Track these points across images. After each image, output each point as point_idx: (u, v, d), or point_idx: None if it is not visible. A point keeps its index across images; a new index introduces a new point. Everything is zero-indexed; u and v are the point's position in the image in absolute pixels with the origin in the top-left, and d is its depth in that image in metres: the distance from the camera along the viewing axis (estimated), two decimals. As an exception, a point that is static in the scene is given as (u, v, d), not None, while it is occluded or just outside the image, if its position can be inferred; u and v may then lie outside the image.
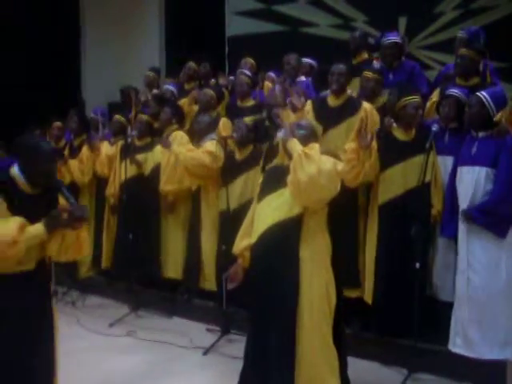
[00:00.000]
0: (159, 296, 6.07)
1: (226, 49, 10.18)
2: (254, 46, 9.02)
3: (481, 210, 4.13)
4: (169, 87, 7.35)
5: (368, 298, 4.64)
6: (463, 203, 4.24)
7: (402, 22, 8.63)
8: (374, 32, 8.78)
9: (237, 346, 5.04)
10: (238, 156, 5.48)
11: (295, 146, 3.43)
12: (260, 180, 3.78)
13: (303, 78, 6.62)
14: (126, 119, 6.73)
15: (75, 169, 6.58)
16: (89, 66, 11.35)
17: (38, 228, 2.91)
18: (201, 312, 5.73)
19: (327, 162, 3.32)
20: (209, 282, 5.72)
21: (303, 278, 3.40)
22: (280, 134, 3.64)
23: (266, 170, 3.96)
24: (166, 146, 5.73)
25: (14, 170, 3.03)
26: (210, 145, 5.57)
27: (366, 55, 6.15)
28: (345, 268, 3.88)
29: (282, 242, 3.44)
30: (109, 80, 10.19)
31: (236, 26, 10.15)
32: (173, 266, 5.98)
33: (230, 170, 5.30)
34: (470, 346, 4.15)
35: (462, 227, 4.24)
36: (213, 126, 5.82)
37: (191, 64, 7.58)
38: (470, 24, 8.03)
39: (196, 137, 5.84)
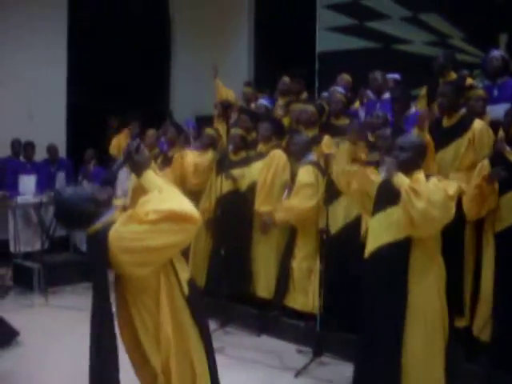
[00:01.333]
0: (248, 313, 5.99)
1: (316, 65, 10.10)
2: (345, 62, 8.89)
3: None
4: (263, 102, 7.31)
5: (478, 330, 4.40)
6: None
7: (503, 39, 8.32)
8: (472, 50, 8.54)
9: (329, 369, 4.94)
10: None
11: (401, 181, 3.40)
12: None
13: (387, 95, 6.44)
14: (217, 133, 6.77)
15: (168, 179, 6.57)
16: (178, 79, 11.54)
17: None
18: (291, 332, 5.60)
19: (437, 192, 3.27)
20: (299, 302, 5.59)
21: (411, 307, 3.30)
22: (382, 174, 3.53)
23: (379, 184, 3.82)
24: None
25: None
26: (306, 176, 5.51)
27: (454, 75, 5.89)
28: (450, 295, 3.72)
29: (391, 265, 3.39)
30: (196, 94, 10.30)
31: (327, 41, 10.02)
32: (264, 285, 5.88)
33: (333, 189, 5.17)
34: None
35: None
36: (310, 145, 5.73)
37: (286, 79, 7.54)
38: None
39: (293, 157, 5.76)
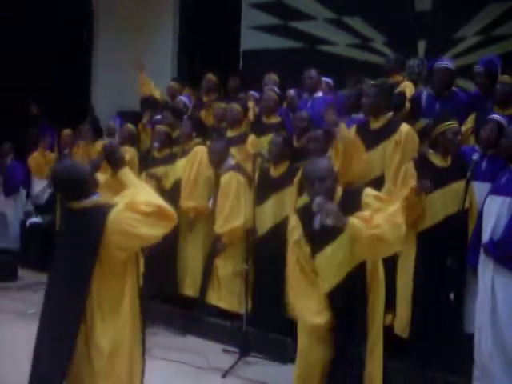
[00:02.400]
0: (173, 312, 5.91)
1: (240, 63, 10.10)
2: (269, 61, 8.93)
3: (494, 242, 4.06)
4: (182, 98, 7.23)
5: (400, 329, 4.51)
6: (486, 233, 4.15)
7: (422, 45, 8.58)
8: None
9: (256, 369, 4.93)
10: (273, 173, 5.35)
11: (359, 227, 3.17)
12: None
13: (320, 94, 6.52)
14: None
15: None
16: (99, 73, 11.27)
17: None
18: (217, 332, 5.57)
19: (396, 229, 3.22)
20: (224, 300, 5.58)
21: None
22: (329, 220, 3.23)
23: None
24: None
25: None
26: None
27: (399, 78, 6.01)
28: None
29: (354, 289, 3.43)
30: (119, 89, 10.08)
31: (251, 40, 10.07)
32: (190, 284, 5.82)
33: (264, 189, 5.18)
34: (489, 380, 4.04)
35: (483, 257, 4.15)
36: (227, 150, 5.68)
37: (211, 76, 7.49)
38: (491, 50, 8.01)
39: (212, 165, 5.71)
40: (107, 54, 11.03)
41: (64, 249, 3.13)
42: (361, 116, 5.46)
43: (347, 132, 4.77)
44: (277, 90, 6.34)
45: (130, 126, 6.77)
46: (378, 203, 3.30)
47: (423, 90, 5.54)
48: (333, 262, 3.37)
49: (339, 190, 3.45)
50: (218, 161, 5.59)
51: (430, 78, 5.59)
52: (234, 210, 5.41)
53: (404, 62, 6.23)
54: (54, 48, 10.35)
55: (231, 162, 5.61)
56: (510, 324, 3.98)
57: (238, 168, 5.56)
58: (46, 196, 8.17)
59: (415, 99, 5.62)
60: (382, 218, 3.15)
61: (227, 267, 5.54)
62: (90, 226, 2.96)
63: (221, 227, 5.45)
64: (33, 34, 10.15)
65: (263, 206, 5.20)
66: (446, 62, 5.55)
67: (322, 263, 3.41)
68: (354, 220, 3.16)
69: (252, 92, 7.08)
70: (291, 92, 6.91)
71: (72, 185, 3.02)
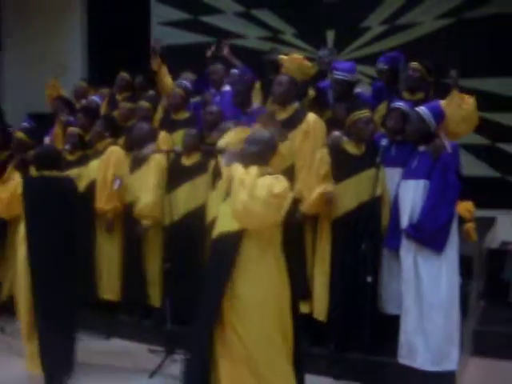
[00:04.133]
0: (96, 317, 5.77)
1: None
2: (181, 56, 8.87)
3: (413, 225, 4.22)
4: (94, 98, 7.09)
5: (319, 314, 4.60)
6: (404, 217, 4.30)
7: (330, 35, 8.77)
8: (303, 45, 8.91)
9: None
10: (186, 162, 5.33)
11: (235, 171, 3.34)
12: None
13: (228, 88, 6.54)
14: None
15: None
16: (10, 77, 10.90)
17: None
18: (141, 332, 5.51)
19: (261, 188, 3.21)
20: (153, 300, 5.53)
21: (236, 297, 3.33)
22: (223, 161, 3.51)
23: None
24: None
25: None
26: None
27: None
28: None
29: (220, 254, 3.41)
30: (29, 91, 9.79)
31: (162, 36, 9.96)
32: (109, 287, 5.70)
33: (175, 177, 5.15)
34: (414, 357, 4.21)
35: (405, 241, 4.30)
36: (152, 135, 5.63)
37: (123, 74, 7.34)
38: (396, 39, 8.28)
39: (135, 144, 5.61)
40: (17, 54, 10.69)
41: None
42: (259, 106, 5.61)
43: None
44: (188, 84, 6.29)
45: (73, 128, 6.42)
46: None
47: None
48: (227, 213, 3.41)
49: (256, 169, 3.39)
50: (141, 140, 5.53)
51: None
52: (153, 189, 5.33)
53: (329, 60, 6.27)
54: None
55: (153, 146, 5.54)
56: (434, 302, 4.15)
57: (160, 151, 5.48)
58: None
59: (320, 88, 5.71)
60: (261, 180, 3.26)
61: (155, 266, 5.48)
62: None
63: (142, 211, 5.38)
64: None
65: (175, 194, 5.15)
66: (342, 73, 5.40)
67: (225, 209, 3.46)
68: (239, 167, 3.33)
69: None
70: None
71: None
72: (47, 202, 4.53)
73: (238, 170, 3.34)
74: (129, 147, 5.76)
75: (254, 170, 3.32)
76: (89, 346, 5.36)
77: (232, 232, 3.34)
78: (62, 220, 4.56)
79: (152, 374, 4.75)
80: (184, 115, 6.16)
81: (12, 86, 10.91)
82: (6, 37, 10.95)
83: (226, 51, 7.05)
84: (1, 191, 5.87)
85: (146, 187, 5.35)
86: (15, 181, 5.72)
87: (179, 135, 5.65)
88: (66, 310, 4.56)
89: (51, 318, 4.43)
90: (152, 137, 5.63)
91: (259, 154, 3.46)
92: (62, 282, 4.51)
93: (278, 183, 3.27)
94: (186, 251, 5.06)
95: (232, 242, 3.34)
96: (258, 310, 3.31)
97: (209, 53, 7.32)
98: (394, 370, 4.36)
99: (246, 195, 3.18)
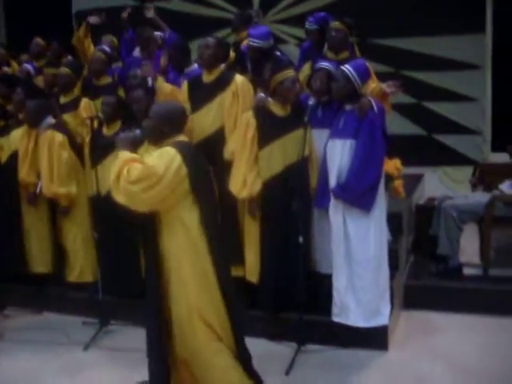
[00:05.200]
0: (25, 292, 5.62)
1: (74, 24, 9.63)
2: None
3: (341, 186, 4.25)
4: (27, 66, 6.80)
5: (251, 276, 4.62)
6: (332, 176, 4.32)
7: (257, -4, 8.66)
8: (228, 6, 8.77)
9: (118, 337, 4.87)
10: (107, 132, 5.15)
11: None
12: None
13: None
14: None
15: None
16: None
17: None
18: (74, 305, 5.40)
19: (112, 174, 3.18)
20: (79, 273, 5.41)
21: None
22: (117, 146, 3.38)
23: None
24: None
25: None
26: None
27: (244, 34, 5.87)
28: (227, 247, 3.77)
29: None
30: None
31: (83, 0, 9.63)
32: (40, 260, 5.53)
33: (99, 149, 4.99)
34: (346, 315, 4.30)
35: (333, 201, 4.34)
36: (45, 109, 5.42)
37: (38, 40, 7.06)
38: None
39: (29, 126, 5.44)
40: None
41: None
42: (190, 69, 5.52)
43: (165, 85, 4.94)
44: (107, 49, 6.11)
45: None
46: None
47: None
48: None
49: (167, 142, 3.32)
50: (34, 120, 5.37)
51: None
52: (64, 172, 5.20)
53: (250, 17, 6.17)
54: None
55: (50, 120, 5.37)
56: (362, 260, 4.24)
57: (57, 126, 5.33)
58: None
59: (239, 49, 5.66)
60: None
61: (75, 238, 5.37)
62: None
63: (55, 190, 5.21)
64: None
65: (101, 167, 4.95)
66: (256, 40, 5.25)
67: None
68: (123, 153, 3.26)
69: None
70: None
71: None
72: None
73: (119, 156, 3.26)
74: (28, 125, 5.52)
75: (123, 155, 3.23)
76: (21, 323, 5.27)
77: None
78: None
79: (86, 347, 4.69)
80: (106, 80, 5.99)
81: None
82: None
83: (151, 14, 6.86)
84: None
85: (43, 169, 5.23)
86: None
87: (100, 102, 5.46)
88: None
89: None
90: (44, 111, 5.42)
91: (156, 129, 3.36)
92: None
93: (131, 166, 3.15)
94: (114, 222, 4.91)
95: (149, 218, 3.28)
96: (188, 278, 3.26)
97: (124, 14, 7.14)
98: (329, 329, 4.45)
99: (111, 185, 3.17)
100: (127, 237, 4.86)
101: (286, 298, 4.49)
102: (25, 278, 5.57)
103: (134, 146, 3.37)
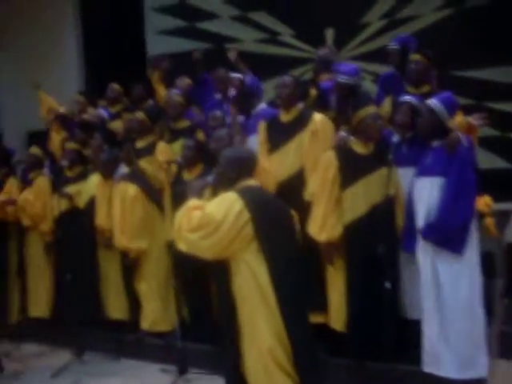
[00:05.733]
0: (104, 337, 5.59)
1: (147, 69, 9.79)
2: (178, 64, 8.68)
3: (430, 226, 3.98)
4: (100, 112, 6.91)
5: (335, 323, 4.38)
6: (419, 217, 4.06)
7: (330, 33, 8.55)
8: (302, 45, 8.71)
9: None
10: (188, 176, 5.07)
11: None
12: None
13: (233, 92, 6.33)
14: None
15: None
16: (5, 93, 10.74)
17: None
18: (152, 351, 5.30)
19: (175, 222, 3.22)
20: (152, 322, 5.31)
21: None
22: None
23: None
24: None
25: None
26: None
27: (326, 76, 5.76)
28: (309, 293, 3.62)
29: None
30: (27, 109, 9.60)
31: (157, 45, 9.80)
32: (116, 306, 5.52)
33: (179, 194, 4.91)
34: (438, 365, 3.97)
35: (422, 243, 4.06)
36: (116, 159, 5.50)
37: (114, 86, 7.17)
38: (397, 33, 8.05)
39: (103, 176, 5.51)
40: (10, 73, 10.55)
41: None
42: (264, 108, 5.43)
43: None
44: (178, 92, 6.11)
45: (34, 150, 6.37)
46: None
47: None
48: None
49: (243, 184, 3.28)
50: (107, 171, 5.41)
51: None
52: (136, 227, 5.20)
53: (330, 60, 6.04)
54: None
55: (123, 170, 5.39)
56: (455, 306, 3.93)
57: (131, 177, 5.33)
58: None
59: (322, 88, 5.49)
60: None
61: (149, 286, 5.30)
62: None
63: (126, 242, 5.21)
64: None
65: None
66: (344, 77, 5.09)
67: None
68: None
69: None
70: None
71: None
72: None
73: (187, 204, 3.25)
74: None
75: (190, 202, 3.21)
76: (99, 369, 5.20)
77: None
78: None
79: (165, 396, 4.56)
80: (184, 124, 5.96)
81: (7, 105, 10.77)
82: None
83: (233, 56, 6.86)
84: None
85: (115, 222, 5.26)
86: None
87: (180, 145, 5.42)
88: None
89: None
90: (116, 161, 5.50)
91: (223, 174, 3.35)
92: None
93: (199, 214, 3.11)
94: (194, 270, 4.80)
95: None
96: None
97: (197, 55, 7.19)
98: (419, 379, 4.12)
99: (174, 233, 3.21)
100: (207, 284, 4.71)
101: (372, 345, 4.20)
102: (103, 323, 5.54)
103: (205, 192, 3.40)
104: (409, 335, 4.28)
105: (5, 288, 6.11)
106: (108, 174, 5.41)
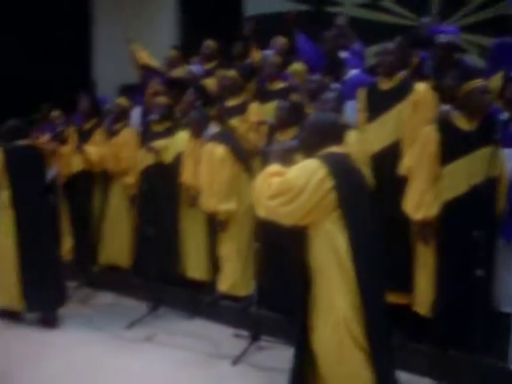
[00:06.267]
0: (181, 295, 5.58)
1: (245, 28, 9.63)
2: (275, 26, 8.47)
3: None
4: (193, 68, 6.82)
5: (420, 306, 4.16)
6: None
7: (435, 1, 8.12)
8: (405, 12, 8.31)
9: (268, 354, 4.60)
10: (280, 138, 4.86)
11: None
12: None
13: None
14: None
15: (94, 154, 6.03)
16: (100, 44, 10.90)
17: None
18: (226, 315, 5.23)
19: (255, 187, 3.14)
20: (231, 285, 5.22)
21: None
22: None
23: None
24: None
25: None
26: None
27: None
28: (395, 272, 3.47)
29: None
30: (121, 62, 9.68)
31: (255, 5, 9.62)
32: (195, 265, 5.46)
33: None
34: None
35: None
36: (207, 119, 5.33)
37: (209, 42, 7.06)
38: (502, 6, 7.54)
39: (191, 134, 5.38)
40: (108, 25, 10.66)
41: None
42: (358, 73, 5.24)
43: None
44: (272, 53, 5.94)
45: (122, 101, 6.38)
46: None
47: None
48: None
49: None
50: (196, 129, 5.27)
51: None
52: (224, 189, 5.04)
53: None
54: (53, 21, 9.95)
55: (213, 130, 5.24)
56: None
57: (220, 136, 5.19)
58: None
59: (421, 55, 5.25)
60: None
61: (231, 249, 5.18)
62: None
63: (214, 206, 5.08)
64: (30, 8, 9.74)
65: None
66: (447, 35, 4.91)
67: None
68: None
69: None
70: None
71: None
72: (22, 167, 5.22)
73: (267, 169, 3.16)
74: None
75: (270, 168, 3.12)
76: (171, 326, 5.20)
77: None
78: (37, 180, 5.30)
79: (235, 361, 4.47)
80: (279, 85, 5.81)
81: (103, 57, 10.90)
82: (97, 7, 10.92)
83: (341, 21, 6.60)
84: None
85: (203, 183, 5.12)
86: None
87: (273, 106, 5.25)
88: (48, 259, 5.22)
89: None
90: (206, 122, 5.30)
91: (307, 139, 3.21)
92: (41, 232, 5.19)
93: (280, 180, 3.01)
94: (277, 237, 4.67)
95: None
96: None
97: (291, 15, 6.94)
98: (505, 376, 3.87)
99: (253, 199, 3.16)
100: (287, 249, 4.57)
101: (458, 334, 3.97)
102: (180, 281, 5.53)
103: (287, 157, 3.22)
104: (499, 328, 4.01)
105: (87, 236, 6.16)
106: (197, 132, 5.29)
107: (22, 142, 5.30)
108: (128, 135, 6.13)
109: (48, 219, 5.33)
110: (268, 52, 6.22)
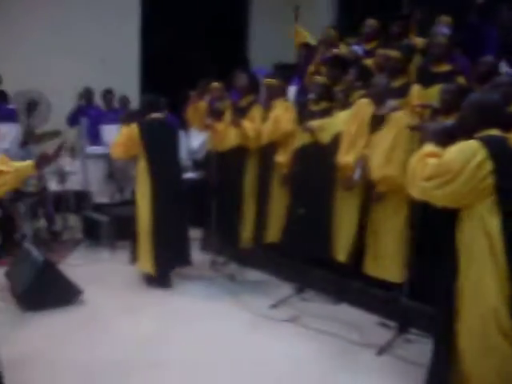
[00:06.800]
0: (327, 278, 5.46)
1: (404, 7, 9.24)
2: (439, 4, 8.00)
3: None
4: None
5: None
6: None
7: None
8: None
9: (415, 348, 4.38)
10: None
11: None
12: None
13: None
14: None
15: (250, 130, 6.00)
16: (257, 26, 11.02)
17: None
18: (373, 302, 5.05)
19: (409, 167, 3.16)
20: (382, 269, 5.00)
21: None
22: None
23: None
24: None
25: None
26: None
27: None
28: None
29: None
30: (276, 41, 9.71)
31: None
32: (345, 249, 5.27)
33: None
34: None
35: None
36: (390, 89, 5.06)
37: (371, 21, 6.81)
38: None
39: (372, 101, 5.06)
40: (264, 5, 10.72)
41: None
42: None
43: None
44: (446, 31, 5.57)
45: (320, 78, 6.07)
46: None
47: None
48: None
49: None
50: (379, 97, 4.98)
51: None
52: (390, 155, 4.77)
53: None
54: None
55: (393, 103, 4.97)
56: None
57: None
58: (203, 152, 7.86)
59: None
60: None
61: (387, 232, 4.94)
62: None
63: (386, 171, 4.81)
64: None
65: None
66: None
67: None
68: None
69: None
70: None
71: None
72: (160, 138, 5.61)
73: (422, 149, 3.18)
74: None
75: (425, 147, 3.11)
76: (317, 310, 5.12)
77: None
78: (170, 151, 5.74)
79: (380, 351, 4.30)
80: (445, 67, 5.47)
81: (258, 36, 10.99)
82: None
83: None
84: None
85: (379, 149, 4.84)
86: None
87: (436, 90, 4.94)
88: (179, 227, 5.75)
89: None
90: (391, 92, 5.01)
91: (465, 120, 3.12)
92: (173, 199, 5.63)
93: (436, 161, 2.96)
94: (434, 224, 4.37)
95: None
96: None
97: None
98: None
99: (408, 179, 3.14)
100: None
101: None
102: (328, 263, 5.40)
103: (443, 137, 3.13)
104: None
105: (239, 211, 6.15)
106: (380, 100, 5.01)
107: (156, 115, 5.65)
108: (256, 112, 6.05)
109: (180, 188, 5.78)
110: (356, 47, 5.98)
